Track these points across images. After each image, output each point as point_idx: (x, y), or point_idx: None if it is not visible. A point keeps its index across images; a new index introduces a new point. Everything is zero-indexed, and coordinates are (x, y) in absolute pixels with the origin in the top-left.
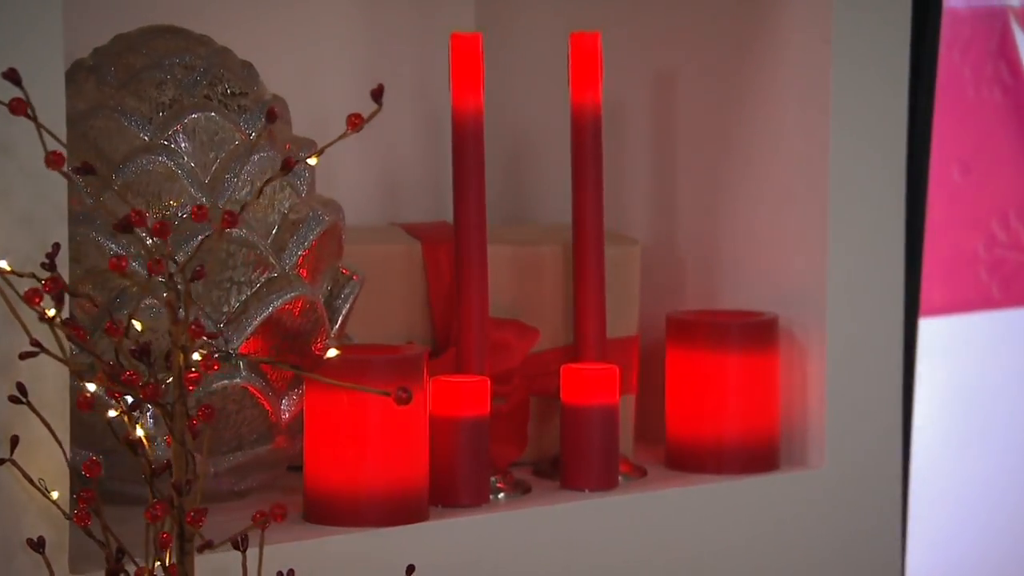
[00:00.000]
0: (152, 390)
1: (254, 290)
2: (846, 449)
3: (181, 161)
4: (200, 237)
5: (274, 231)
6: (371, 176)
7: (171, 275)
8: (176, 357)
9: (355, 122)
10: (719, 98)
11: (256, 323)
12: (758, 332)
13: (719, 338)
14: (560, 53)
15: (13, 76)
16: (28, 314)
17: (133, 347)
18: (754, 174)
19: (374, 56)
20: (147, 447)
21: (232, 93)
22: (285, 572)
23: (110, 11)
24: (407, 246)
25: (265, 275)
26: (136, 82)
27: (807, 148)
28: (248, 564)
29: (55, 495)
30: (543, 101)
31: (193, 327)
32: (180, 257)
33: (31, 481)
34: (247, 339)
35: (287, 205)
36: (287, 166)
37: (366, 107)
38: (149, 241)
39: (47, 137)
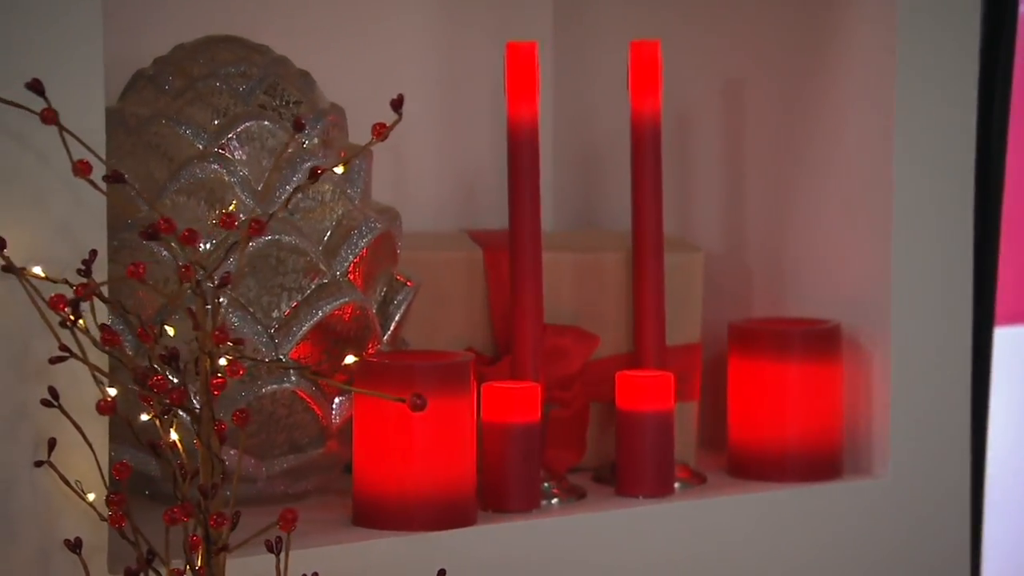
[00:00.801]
0: (180, 395)
1: (305, 296)
2: (911, 459)
3: (234, 169)
4: (229, 245)
5: (326, 238)
6: (448, 183)
7: (198, 282)
8: (203, 363)
9: (379, 131)
10: (786, 106)
11: (306, 329)
12: (820, 340)
13: (781, 346)
14: (624, 59)
15: (37, 87)
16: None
17: (163, 352)
18: (820, 181)
19: (450, 64)
20: (180, 450)
21: (287, 102)
22: (310, 574)
23: (180, 21)
24: (469, 253)
25: (316, 281)
26: (192, 91)
27: (872, 155)
28: (291, 567)
29: (91, 497)
30: (616, 108)
31: (217, 333)
32: (232, 265)
33: (67, 483)
34: (297, 344)
35: (340, 212)
36: (314, 175)
37: (442, 116)
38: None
39: (77, 146)
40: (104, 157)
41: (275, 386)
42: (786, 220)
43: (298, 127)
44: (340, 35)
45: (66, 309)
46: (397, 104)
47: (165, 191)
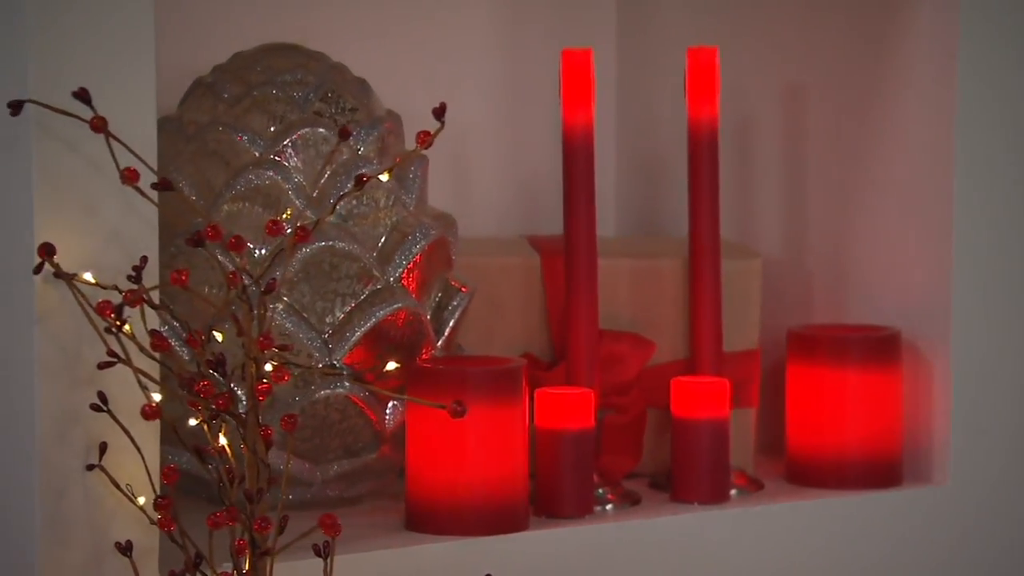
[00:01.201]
0: (226, 400)
1: (358, 301)
2: (971, 466)
3: (289, 175)
4: (275, 251)
5: (381, 243)
6: (510, 189)
7: (244, 288)
8: (248, 368)
9: (423, 139)
10: (847, 112)
11: (359, 334)
12: (879, 347)
13: (839, 353)
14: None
15: (83, 96)
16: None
17: (209, 358)
18: (880, 187)
19: (513, 71)
20: (229, 455)
21: (343, 109)
22: None
23: (242, 29)
24: (526, 259)
25: (370, 287)
26: (249, 98)
27: (932, 161)
28: (343, 571)
29: (141, 500)
30: (679, 114)
31: (261, 339)
32: (286, 269)
33: (118, 486)
34: (351, 350)
35: (395, 218)
36: (360, 182)
37: (504, 122)
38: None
39: (125, 153)
40: (155, 164)
41: (328, 391)
42: (847, 226)
43: (343, 135)
44: (402, 43)
45: (112, 315)
46: (439, 112)
47: (221, 198)
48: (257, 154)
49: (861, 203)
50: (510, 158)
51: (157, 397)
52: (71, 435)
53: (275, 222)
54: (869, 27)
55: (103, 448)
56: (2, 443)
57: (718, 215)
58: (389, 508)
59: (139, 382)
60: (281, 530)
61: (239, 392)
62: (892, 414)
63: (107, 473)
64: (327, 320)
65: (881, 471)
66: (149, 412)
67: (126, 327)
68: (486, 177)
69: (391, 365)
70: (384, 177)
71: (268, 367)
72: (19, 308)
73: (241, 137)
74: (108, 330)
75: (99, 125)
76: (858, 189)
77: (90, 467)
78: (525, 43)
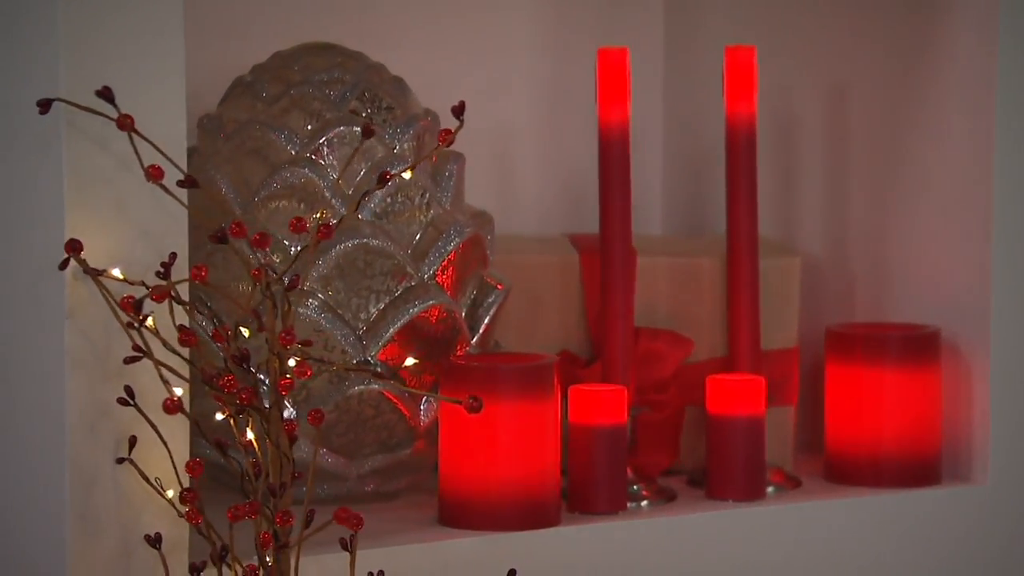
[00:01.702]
0: (249, 394)
1: (392, 298)
2: (1010, 465)
3: (324, 174)
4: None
5: (416, 241)
6: (553, 187)
7: (268, 284)
8: (272, 363)
9: (444, 137)
10: (888, 111)
11: (393, 330)
12: (918, 345)
13: (877, 351)
14: None
15: (107, 94)
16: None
17: (235, 353)
18: (920, 187)
19: (558, 69)
20: (256, 449)
21: (380, 108)
22: (376, 573)
23: (288, 28)
24: (565, 257)
25: (404, 284)
26: (287, 97)
27: (971, 161)
28: (374, 565)
29: (170, 493)
30: (724, 112)
31: (284, 335)
32: (321, 267)
33: (147, 479)
34: (385, 346)
35: (430, 216)
36: (383, 179)
37: (549, 120)
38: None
39: (151, 151)
40: (183, 162)
41: (361, 387)
42: (888, 225)
43: (367, 133)
44: (446, 43)
45: (132, 311)
46: (458, 111)
47: (258, 195)
48: (293, 152)
49: (902, 203)
50: (554, 157)
51: (179, 391)
52: (101, 429)
53: (299, 219)
54: (910, 28)
55: (132, 442)
56: (33, 436)
57: (756, 213)
58: (424, 503)
59: (160, 376)
60: (307, 524)
61: (264, 387)
62: (931, 413)
63: (136, 466)
64: (361, 317)
65: (919, 470)
66: (171, 406)
67: (148, 322)
68: (530, 176)
69: (410, 361)
70: (407, 175)
71: (291, 363)
72: (50, 303)
73: (278, 135)
74: (130, 325)
75: (125, 123)
76: (899, 189)
77: (120, 460)
78: (570, 42)
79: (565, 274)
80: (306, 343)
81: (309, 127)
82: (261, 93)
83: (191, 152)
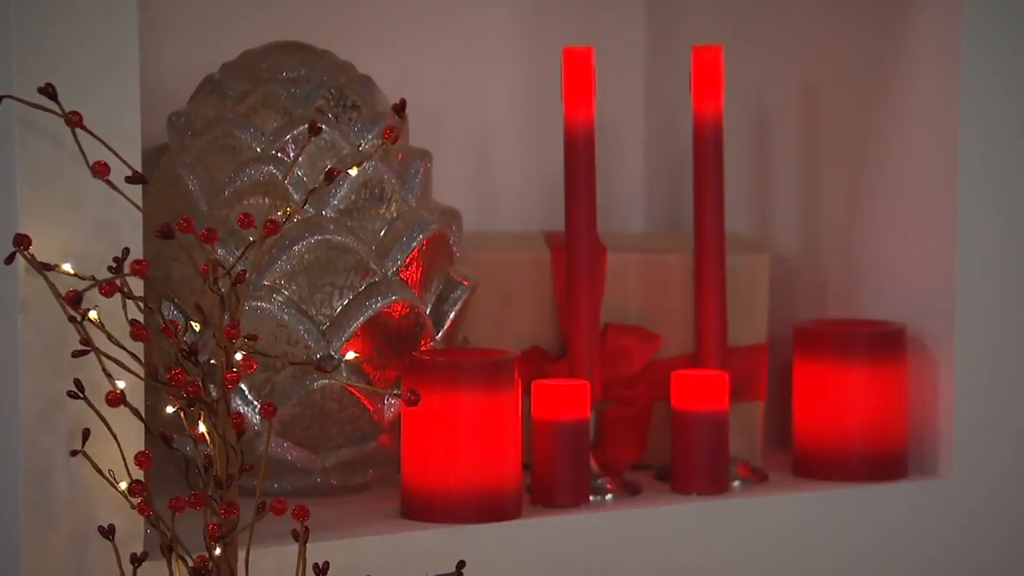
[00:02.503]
0: (196, 388)
1: (356, 294)
2: (976, 460)
3: (288, 172)
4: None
5: (380, 237)
6: (533, 185)
7: (215, 280)
8: (219, 357)
9: (387, 135)
10: (857, 110)
11: (356, 326)
12: (884, 342)
13: (844, 348)
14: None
15: (48, 91)
16: (105, 313)
17: (183, 347)
18: (888, 184)
19: (538, 68)
20: (208, 442)
21: (346, 106)
22: (321, 564)
23: (263, 28)
24: (536, 253)
25: (367, 280)
26: (254, 95)
27: (936, 158)
28: (336, 556)
29: (123, 485)
30: None
31: (229, 329)
32: (284, 263)
33: (100, 472)
34: (348, 341)
35: (394, 213)
36: (330, 176)
37: (529, 118)
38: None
39: (100, 148)
40: (138, 158)
41: (324, 381)
42: (858, 223)
43: (313, 131)
44: (427, 42)
45: (71, 304)
46: (399, 108)
47: (223, 193)
48: (259, 150)
49: (871, 200)
50: (534, 155)
51: (121, 384)
52: (55, 421)
53: (246, 215)
54: (878, 27)
55: (86, 434)
56: None
57: (723, 211)
58: (391, 496)
59: (104, 370)
60: (260, 516)
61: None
62: (897, 408)
63: (89, 459)
64: (325, 312)
65: (886, 464)
66: (113, 399)
67: (92, 316)
68: (510, 173)
69: (350, 355)
70: (353, 172)
71: (238, 356)
72: (3, 297)
73: (244, 133)
74: (71, 319)
75: (73, 120)
76: (868, 186)
77: (73, 453)
78: (549, 41)
79: (537, 270)
80: (252, 337)
81: (275, 125)
82: (228, 91)
83: (162, 149)
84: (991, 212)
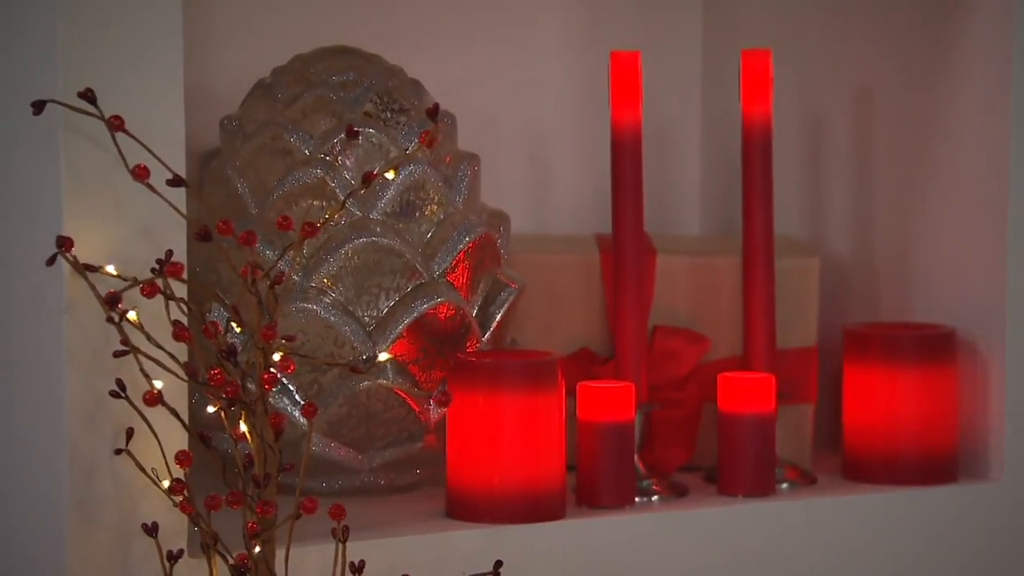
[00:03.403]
0: (235, 388)
1: (401, 296)
2: None
3: (337, 174)
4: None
5: (427, 239)
6: (589, 187)
7: (254, 281)
8: (256, 358)
9: (424, 138)
10: (910, 113)
11: (402, 327)
12: (934, 345)
13: (894, 351)
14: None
15: (88, 95)
16: (151, 314)
17: (223, 348)
18: (940, 187)
19: (594, 70)
20: (249, 441)
21: (394, 110)
22: (357, 563)
23: (326, 34)
24: (587, 256)
25: (413, 281)
26: (303, 99)
27: (988, 162)
28: (380, 556)
29: (166, 484)
30: None
31: (266, 330)
32: (331, 265)
33: (144, 471)
34: (394, 342)
35: (441, 215)
36: (367, 180)
37: (584, 120)
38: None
39: (140, 150)
40: (182, 162)
41: (370, 382)
42: (910, 226)
43: (350, 135)
44: (483, 46)
45: (109, 304)
46: (432, 112)
47: (271, 196)
48: (308, 153)
49: (923, 203)
50: (590, 157)
51: (159, 384)
52: (100, 420)
53: (285, 218)
54: (930, 30)
55: (130, 433)
56: (34, 428)
57: (771, 214)
58: (438, 496)
59: (141, 370)
60: (298, 516)
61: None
62: (947, 411)
63: (133, 457)
64: (371, 313)
65: (936, 468)
66: (151, 399)
67: (132, 316)
68: (565, 176)
69: (383, 356)
70: (390, 175)
71: (276, 357)
72: (49, 299)
73: (293, 137)
74: (109, 319)
75: (115, 124)
76: (920, 189)
77: (118, 451)
78: (606, 43)
79: (587, 273)
80: (289, 338)
81: (323, 128)
82: (279, 95)
83: (215, 152)
84: None
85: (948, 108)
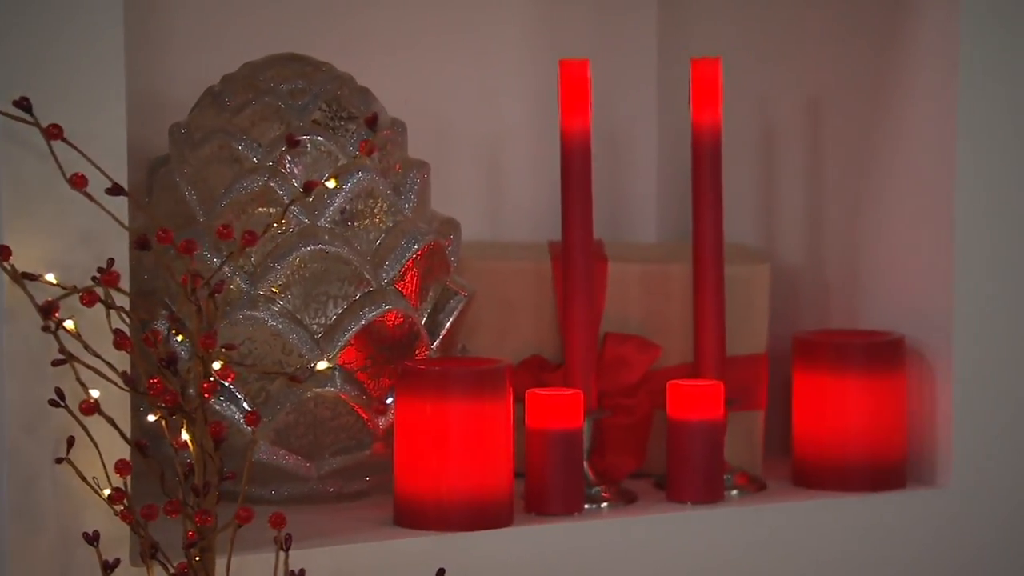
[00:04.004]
0: (174, 397)
1: (350, 303)
2: (974, 469)
3: (284, 182)
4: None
5: (375, 247)
6: (547, 194)
7: (194, 290)
8: (196, 366)
9: (363, 148)
10: (859, 123)
11: (349, 335)
12: (882, 352)
13: (842, 358)
14: (724, 74)
15: (23, 104)
16: (88, 322)
17: (162, 356)
18: (888, 196)
19: (552, 77)
20: (191, 449)
21: (343, 117)
22: (298, 571)
23: (276, 42)
24: (538, 263)
25: (361, 289)
26: (251, 107)
27: (934, 171)
28: (327, 564)
29: (107, 492)
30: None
31: (204, 338)
32: (279, 273)
33: (84, 479)
34: (342, 350)
35: (390, 223)
36: (308, 188)
37: (542, 127)
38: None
39: (77, 159)
40: (123, 170)
41: (317, 389)
42: (860, 234)
43: (291, 144)
44: (439, 54)
45: (44, 314)
46: (371, 121)
47: (219, 203)
48: (256, 160)
49: (872, 211)
50: (545, 165)
51: (96, 393)
52: (41, 429)
53: (225, 227)
54: (879, 39)
55: (70, 442)
56: None
57: (721, 221)
58: (387, 504)
59: (78, 379)
60: (240, 524)
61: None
62: (895, 418)
63: (74, 466)
64: (319, 321)
65: (884, 474)
66: (87, 408)
67: (69, 325)
68: (521, 184)
69: (322, 365)
70: (331, 184)
71: (216, 365)
72: None
73: (241, 144)
74: (45, 328)
75: (52, 132)
76: (869, 197)
77: (59, 460)
78: (563, 50)
79: (540, 280)
80: (230, 347)
81: (271, 136)
82: (227, 102)
83: (164, 160)
84: (988, 223)
85: (896, 117)
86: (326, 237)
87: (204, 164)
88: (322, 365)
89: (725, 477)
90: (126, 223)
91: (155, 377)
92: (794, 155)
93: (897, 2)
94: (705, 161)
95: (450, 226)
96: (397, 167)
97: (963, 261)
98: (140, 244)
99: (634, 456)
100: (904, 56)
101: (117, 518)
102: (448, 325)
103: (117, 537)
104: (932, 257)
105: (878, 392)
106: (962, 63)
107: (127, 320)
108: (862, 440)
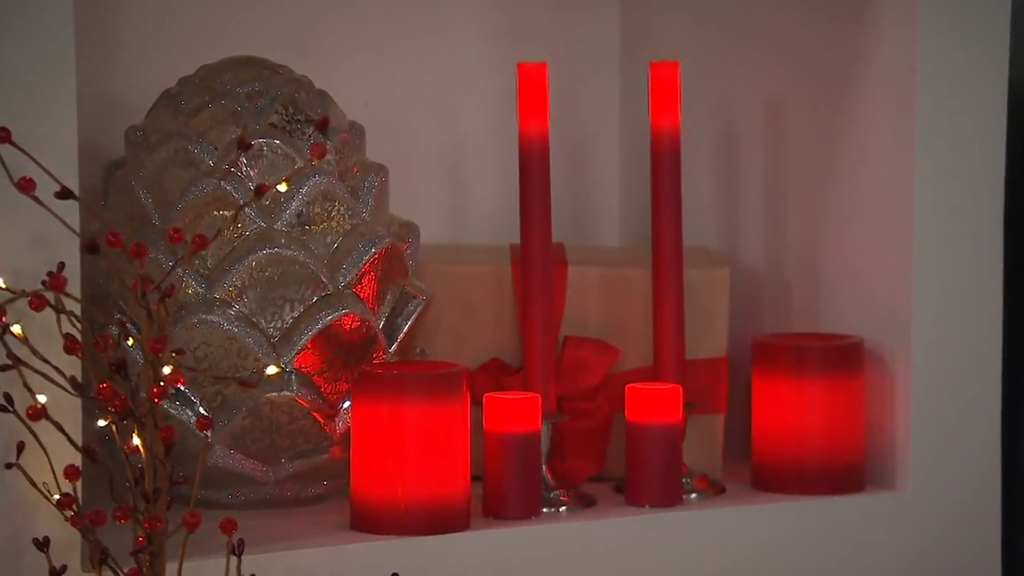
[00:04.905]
0: (123, 402)
1: (306, 307)
2: (932, 472)
3: (240, 186)
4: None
5: (332, 250)
6: (510, 198)
7: (144, 294)
8: (146, 371)
9: (315, 151)
10: (819, 126)
11: (306, 339)
12: (841, 355)
13: (801, 362)
14: (687, 78)
15: None
16: (39, 326)
17: (112, 361)
18: (848, 199)
19: (512, 83)
20: (142, 454)
21: (300, 120)
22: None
23: (238, 45)
24: (498, 267)
25: (318, 293)
26: (207, 110)
27: (893, 173)
28: (283, 568)
29: (56, 497)
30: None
31: (154, 343)
32: (235, 276)
33: (35, 485)
34: (299, 353)
35: (347, 227)
36: (259, 192)
37: (504, 131)
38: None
39: (27, 163)
40: (74, 175)
41: (273, 394)
42: (820, 237)
43: (242, 146)
44: (403, 58)
45: (3, 319)
46: (322, 125)
47: (175, 207)
48: (211, 164)
49: (832, 215)
50: (508, 168)
51: (43, 399)
52: None
53: (176, 231)
54: (839, 43)
55: (20, 447)
56: None
57: (680, 225)
58: (344, 508)
59: (24, 384)
60: (191, 530)
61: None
62: (854, 421)
63: (24, 471)
64: (276, 325)
65: (843, 477)
66: (34, 413)
67: (16, 329)
68: (483, 187)
69: (271, 370)
70: (282, 187)
71: (166, 370)
72: None
73: (197, 148)
74: None
75: (1, 135)
76: (830, 201)
77: (8, 466)
78: (525, 54)
79: (500, 283)
80: (179, 351)
81: (228, 139)
82: (184, 105)
83: (120, 163)
84: (947, 227)
85: (855, 121)
86: (283, 240)
87: (160, 167)
88: (271, 370)
89: (684, 481)
90: (79, 227)
91: (105, 382)
92: (755, 158)
93: (856, 6)
94: (665, 164)
95: (409, 229)
96: (355, 170)
97: (922, 265)
98: (90, 248)
99: (594, 460)
100: (864, 59)
101: (68, 523)
102: (406, 329)
103: (68, 543)
104: (892, 261)
105: (837, 395)
106: (919, 66)
107: (77, 325)
108: (821, 443)
